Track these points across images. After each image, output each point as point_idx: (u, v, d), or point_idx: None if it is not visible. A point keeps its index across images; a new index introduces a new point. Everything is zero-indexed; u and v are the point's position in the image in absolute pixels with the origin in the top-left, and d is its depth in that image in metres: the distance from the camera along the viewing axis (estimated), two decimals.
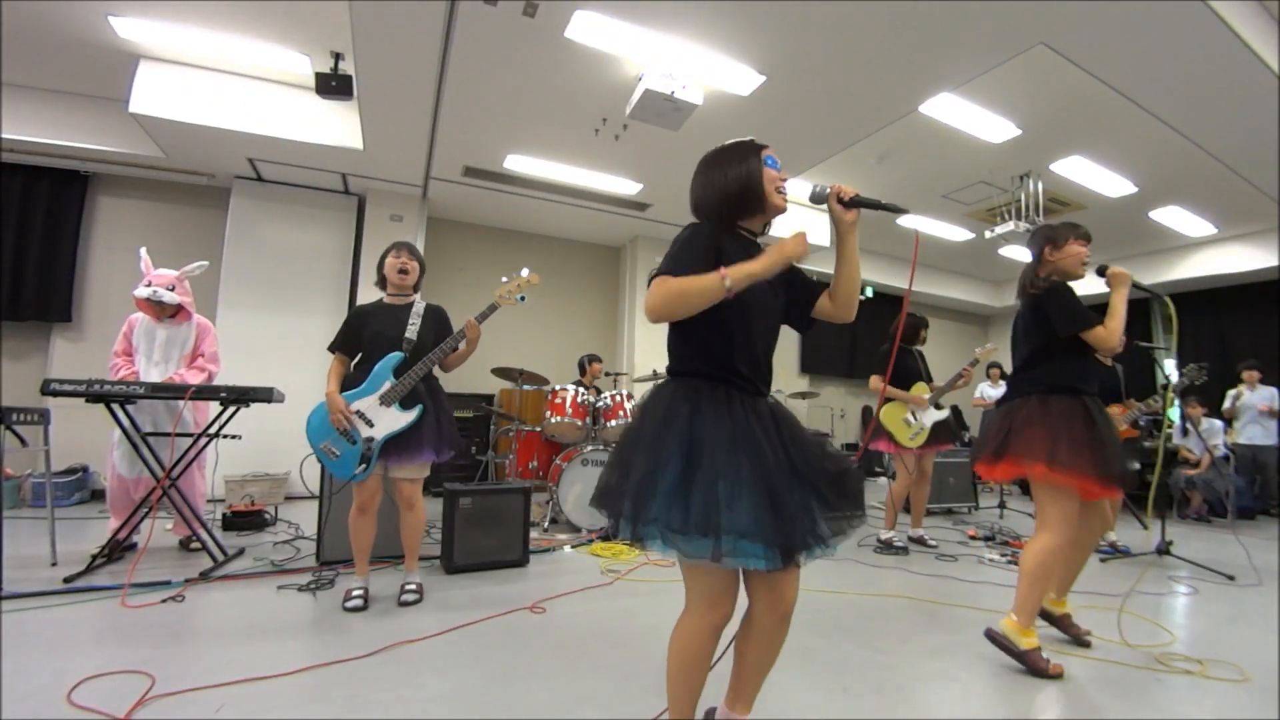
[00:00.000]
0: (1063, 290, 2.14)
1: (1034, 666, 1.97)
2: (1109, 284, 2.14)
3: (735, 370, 1.27)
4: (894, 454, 3.90)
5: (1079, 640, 2.26)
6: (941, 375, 4.13)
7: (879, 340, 4.21)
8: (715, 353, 1.28)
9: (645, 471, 1.18)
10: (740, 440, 1.19)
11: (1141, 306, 8.20)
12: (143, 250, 3.29)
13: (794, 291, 1.42)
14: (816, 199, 1.33)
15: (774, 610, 1.32)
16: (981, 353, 4.21)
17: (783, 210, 1.37)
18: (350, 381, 2.49)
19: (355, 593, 2.47)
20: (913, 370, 3.96)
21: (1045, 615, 2.30)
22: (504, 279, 2.61)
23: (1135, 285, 2.14)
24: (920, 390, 3.90)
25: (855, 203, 1.29)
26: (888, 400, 3.91)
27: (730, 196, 1.32)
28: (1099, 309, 2.09)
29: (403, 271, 2.56)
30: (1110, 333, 2.04)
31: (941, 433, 3.89)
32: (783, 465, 1.20)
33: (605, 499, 1.24)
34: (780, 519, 1.14)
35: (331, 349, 2.56)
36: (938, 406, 3.89)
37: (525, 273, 2.61)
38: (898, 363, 3.93)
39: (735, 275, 1.16)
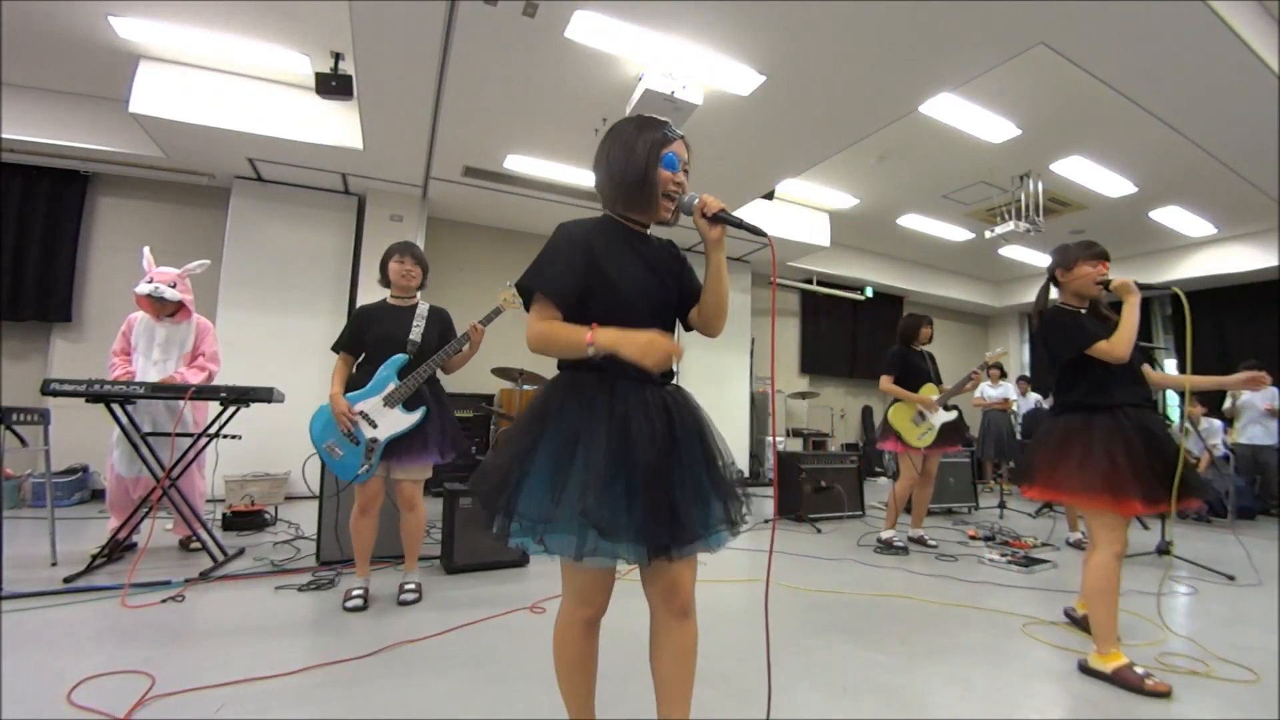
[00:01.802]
0: (1055, 316, 2.21)
1: (1127, 683, 1.90)
2: (1118, 296, 2.12)
3: (617, 359, 1.18)
4: (900, 453, 3.90)
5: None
6: (946, 377, 4.13)
7: (879, 340, 4.21)
8: None
9: (509, 464, 1.17)
10: (610, 429, 1.14)
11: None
12: (146, 249, 3.30)
13: (680, 290, 1.34)
14: (684, 208, 1.24)
15: (666, 605, 1.24)
16: (990, 357, 4.23)
17: (667, 224, 1.28)
18: (354, 382, 2.50)
19: (355, 593, 2.47)
20: (922, 371, 3.94)
21: (1074, 619, 2.33)
22: (507, 283, 2.62)
23: (1142, 286, 2.11)
24: (929, 391, 3.88)
25: (718, 219, 1.21)
26: (895, 401, 3.92)
27: (618, 184, 1.24)
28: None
29: (406, 276, 2.57)
30: (1114, 345, 2.04)
31: (950, 434, 3.88)
32: (662, 456, 1.14)
33: (480, 492, 1.21)
34: (646, 512, 1.09)
35: (335, 349, 2.57)
36: (947, 408, 3.89)
37: None
38: (907, 363, 3.92)
39: (600, 341, 1.13)
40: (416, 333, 2.53)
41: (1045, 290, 2.33)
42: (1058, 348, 2.17)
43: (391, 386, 2.45)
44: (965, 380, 3.91)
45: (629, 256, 1.25)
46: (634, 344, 1.11)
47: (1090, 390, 2.12)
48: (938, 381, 3.99)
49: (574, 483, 1.10)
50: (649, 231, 1.34)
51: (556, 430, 1.17)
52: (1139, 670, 1.92)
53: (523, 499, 1.14)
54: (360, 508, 2.49)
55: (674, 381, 1.32)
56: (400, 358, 2.49)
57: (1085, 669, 2.02)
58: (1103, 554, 2.01)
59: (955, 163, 5.41)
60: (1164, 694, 1.85)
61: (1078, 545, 4.03)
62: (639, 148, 1.21)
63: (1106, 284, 2.15)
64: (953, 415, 3.90)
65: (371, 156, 4.94)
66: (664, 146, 1.22)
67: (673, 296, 1.32)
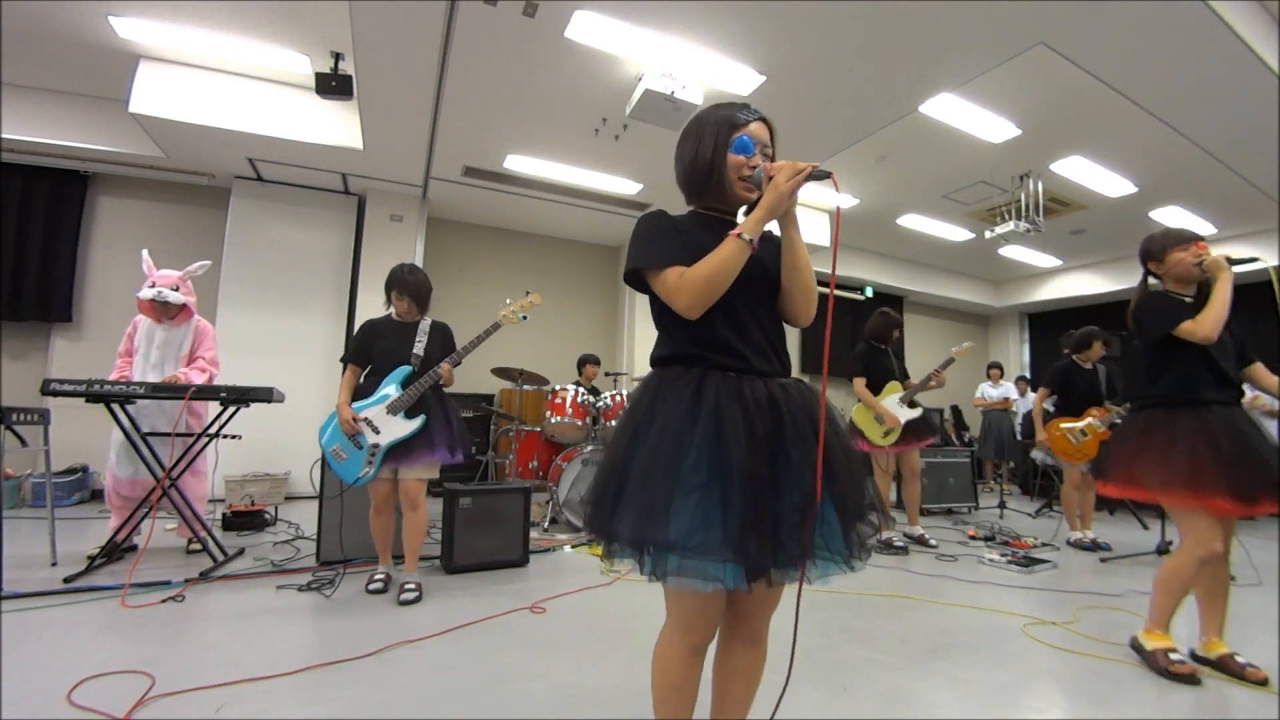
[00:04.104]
0: (1146, 299, 2.14)
1: (1154, 666, 1.99)
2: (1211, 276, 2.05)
3: (715, 344, 1.09)
4: (870, 453, 3.91)
5: (1251, 680, 1.94)
6: (947, 376, 4.12)
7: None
8: (692, 327, 1.10)
9: (602, 481, 1.07)
10: (701, 429, 1.00)
11: None
12: (144, 253, 3.29)
13: (778, 268, 1.22)
14: (756, 185, 1.16)
15: (734, 627, 1.15)
16: (957, 351, 4.10)
17: (747, 202, 1.19)
18: (361, 391, 2.65)
19: (378, 577, 2.65)
20: (887, 370, 3.99)
21: (1204, 661, 2.10)
22: (508, 300, 2.79)
23: (1234, 260, 2.03)
24: (894, 389, 3.93)
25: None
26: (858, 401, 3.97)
27: (690, 175, 1.19)
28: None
29: (407, 313, 2.74)
30: (1198, 324, 1.95)
31: (919, 429, 3.91)
32: (762, 460, 1.00)
33: (586, 506, 1.12)
34: (743, 527, 0.96)
35: (344, 361, 2.74)
36: (911, 405, 3.91)
37: (529, 295, 2.79)
38: (873, 363, 3.97)
39: (749, 228, 1.06)
40: (420, 347, 2.69)
41: (1144, 284, 2.22)
42: (1147, 329, 2.09)
43: (395, 396, 2.57)
44: (927, 379, 3.93)
45: (715, 247, 1.10)
46: (771, 195, 1.07)
47: (1175, 384, 2.04)
48: (903, 379, 4.04)
49: (659, 498, 0.98)
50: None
51: (647, 437, 1.04)
52: (1173, 655, 1.98)
53: (616, 520, 1.02)
54: (375, 508, 2.66)
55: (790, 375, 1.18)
56: (404, 369, 2.63)
57: (1134, 644, 2.11)
58: (1183, 556, 1.96)
59: (955, 163, 5.41)
60: (1188, 677, 1.91)
61: (1078, 545, 4.03)
62: (706, 134, 1.16)
63: (1200, 264, 2.08)
64: (918, 412, 3.91)
65: (371, 156, 4.94)
66: (734, 130, 1.14)
67: (771, 274, 1.19)
